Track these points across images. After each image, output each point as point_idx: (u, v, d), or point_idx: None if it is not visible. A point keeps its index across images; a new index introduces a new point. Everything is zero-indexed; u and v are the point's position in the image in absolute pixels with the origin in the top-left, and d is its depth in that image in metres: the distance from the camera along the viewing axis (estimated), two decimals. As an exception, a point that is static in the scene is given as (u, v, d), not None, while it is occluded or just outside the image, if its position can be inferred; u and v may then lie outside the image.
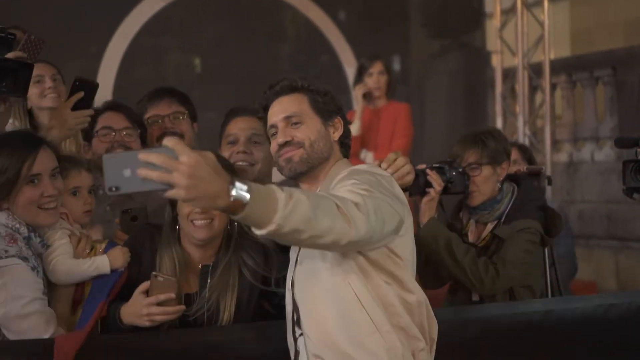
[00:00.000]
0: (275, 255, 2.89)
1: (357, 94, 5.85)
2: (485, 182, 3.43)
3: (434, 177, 3.33)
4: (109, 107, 3.53)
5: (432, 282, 3.49)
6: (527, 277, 3.41)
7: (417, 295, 2.46)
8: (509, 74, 7.80)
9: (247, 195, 1.92)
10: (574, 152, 7.74)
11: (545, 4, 7.45)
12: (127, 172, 1.84)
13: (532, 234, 3.37)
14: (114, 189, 1.86)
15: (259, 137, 3.28)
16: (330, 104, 2.63)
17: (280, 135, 2.56)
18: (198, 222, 2.76)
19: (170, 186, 1.85)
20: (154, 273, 2.67)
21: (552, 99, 7.69)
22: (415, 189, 3.32)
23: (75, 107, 3.37)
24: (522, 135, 7.47)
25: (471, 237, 3.51)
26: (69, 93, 3.38)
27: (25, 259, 2.67)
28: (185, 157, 1.84)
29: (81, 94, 3.33)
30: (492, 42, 8.11)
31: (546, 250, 3.58)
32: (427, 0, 8.45)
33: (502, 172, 3.47)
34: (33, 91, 3.54)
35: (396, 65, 8.10)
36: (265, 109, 2.66)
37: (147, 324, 2.66)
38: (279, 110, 2.60)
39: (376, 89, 5.77)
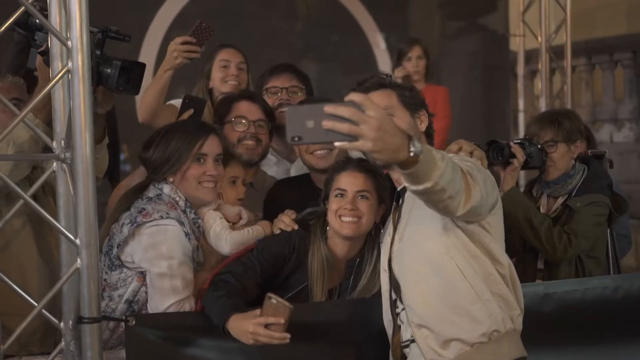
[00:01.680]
0: None
1: (396, 77, 6.01)
2: (561, 158, 3.69)
3: (517, 150, 3.60)
4: (246, 96, 3.60)
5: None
6: (594, 248, 3.67)
7: (508, 268, 2.66)
8: (528, 57, 7.97)
9: (420, 151, 2.05)
10: (593, 134, 7.93)
11: (567, -13, 7.60)
12: (310, 124, 1.90)
13: (602, 207, 3.63)
14: (296, 138, 1.91)
15: None
16: (416, 98, 2.83)
17: None
18: (346, 219, 2.89)
19: (355, 138, 1.93)
20: (268, 294, 2.64)
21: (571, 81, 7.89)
22: (500, 160, 3.60)
23: None
24: (543, 116, 7.64)
25: (542, 211, 3.75)
26: (179, 111, 3.53)
27: (182, 224, 2.93)
28: (372, 112, 1.93)
29: (191, 111, 3.48)
30: (514, 25, 8.26)
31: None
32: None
33: (576, 150, 3.75)
34: (217, 75, 3.86)
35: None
36: None
37: (251, 342, 2.63)
38: None
39: (415, 73, 5.91)
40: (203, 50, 3.57)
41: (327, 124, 1.90)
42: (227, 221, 3.14)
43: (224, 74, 3.86)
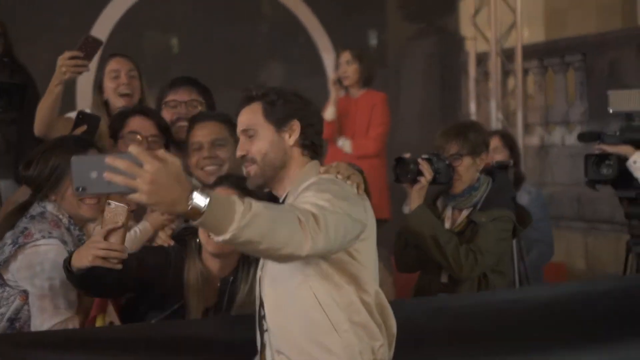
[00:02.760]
0: None
1: (331, 81, 6.06)
2: (466, 171, 3.67)
3: (425, 167, 3.58)
4: (140, 111, 3.61)
5: (411, 266, 3.75)
6: (499, 263, 3.66)
7: (375, 296, 2.57)
8: (483, 59, 7.96)
9: (204, 205, 2.06)
10: (545, 136, 7.93)
11: (518, -10, 7.58)
12: (93, 174, 1.96)
13: (506, 223, 3.63)
14: (81, 189, 1.97)
15: (221, 140, 3.48)
16: (283, 109, 2.63)
17: (239, 148, 2.68)
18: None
19: (132, 190, 1.98)
20: (107, 200, 2.65)
21: (524, 83, 7.90)
22: (408, 177, 3.59)
23: None
24: (495, 119, 7.65)
25: (447, 224, 3.73)
26: (72, 127, 3.50)
27: (64, 242, 2.92)
28: (147, 165, 1.98)
29: (84, 127, 3.45)
30: (466, 28, 8.25)
31: (514, 242, 3.80)
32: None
33: (481, 163, 3.72)
34: (109, 85, 3.88)
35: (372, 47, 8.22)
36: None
37: (90, 259, 2.62)
38: (239, 123, 2.70)
39: (344, 78, 5.93)
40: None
41: (108, 175, 1.94)
42: None
43: (116, 84, 3.86)
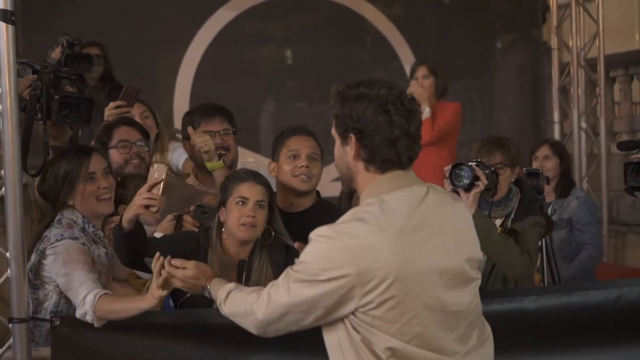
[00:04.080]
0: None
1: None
2: (504, 181, 3.95)
3: (480, 173, 3.78)
4: (124, 122, 4.05)
5: None
6: None
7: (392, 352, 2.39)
8: (568, 69, 8.04)
9: (208, 294, 2.82)
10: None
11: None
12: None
13: (541, 228, 3.92)
14: None
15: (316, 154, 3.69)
16: (343, 123, 2.50)
17: None
18: (246, 226, 3.25)
19: None
20: (153, 161, 3.11)
21: (610, 92, 7.96)
22: (465, 183, 3.75)
23: None
24: (577, 129, 7.70)
25: None
26: None
27: (75, 238, 3.33)
28: (177, 275, 2.86)
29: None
30: (550, 38, 8.36)
31: (544, 242, 4.05)
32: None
33: (514, 175, 4.01)
34: None
35: (467, 57, 8.45)
36: None
37: (134, 209, 2.99)
38: None
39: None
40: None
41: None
42: None
43: None
